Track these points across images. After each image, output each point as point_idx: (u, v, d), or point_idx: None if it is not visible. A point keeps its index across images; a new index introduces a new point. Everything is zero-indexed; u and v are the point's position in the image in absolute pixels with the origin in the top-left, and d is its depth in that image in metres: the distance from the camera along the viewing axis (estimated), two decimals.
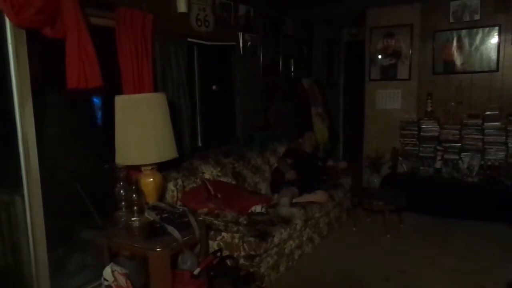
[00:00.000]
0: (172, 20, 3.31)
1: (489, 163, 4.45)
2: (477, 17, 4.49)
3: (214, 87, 4.16)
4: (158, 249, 2.19)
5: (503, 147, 4.41)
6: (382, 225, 3.93)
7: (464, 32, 4.59)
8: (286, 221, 3.21)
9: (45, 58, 2.49)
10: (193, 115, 3.66)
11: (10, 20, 2.09)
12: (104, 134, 2.71)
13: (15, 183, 2.34)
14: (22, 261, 2.42)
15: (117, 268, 2.24)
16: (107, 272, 2.23)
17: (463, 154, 4.56)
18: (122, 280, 2.22)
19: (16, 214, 2.39)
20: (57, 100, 2.70)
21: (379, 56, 5.12)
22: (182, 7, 3.32)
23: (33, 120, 2.31)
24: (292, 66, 5.26)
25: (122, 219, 2.41)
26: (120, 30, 2.71)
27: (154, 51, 3.01)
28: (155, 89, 2.99)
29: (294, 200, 3.57)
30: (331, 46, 6.35)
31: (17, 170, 2.32)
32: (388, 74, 5.10)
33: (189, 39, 3.49)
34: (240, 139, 4.31)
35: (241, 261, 2.81)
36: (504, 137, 4.40)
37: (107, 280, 2.23)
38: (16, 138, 2.29)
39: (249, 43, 4.34)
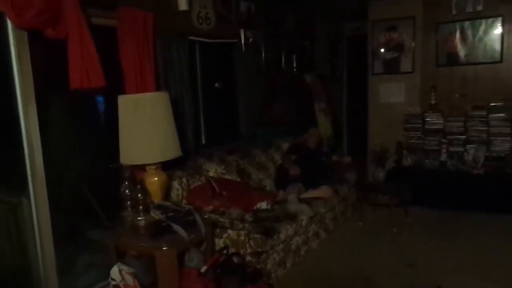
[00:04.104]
0: (174, 18, 3.30)
1: (495, 154, 4.42)
2: (480, 7, 4.43)
3: (216, 84, 4.15)
4: (164, 248, 2.20)
5: (509, 138, 4.37)
6: (388, 219, 3.92)
7: (467, 23, 4.54)
8: (292, 217, 3.20)
9: (48, 59, 2.49)
10: (196, 113, 3.66)
11: (11, 21, 2.10)
12: (108, 134, 2.72)
13: (22, 185, 2.35)
14: (30, 261, 2.44)
15: (124, 268, 2.25)
16: (114, 271, 2.24)
17: (468, 146, 4.53)
18: (129, 279, 2.23)
19: (23, 215, 2.41)
20: (60, 101, 2.70)
21: (382, 50, 5.09)
22: (183, 5, 3.31)
23: (37, 121, 2.31)
24: (295, 62, 5.24)
25: (128, 219, 2.43)
26: (121, 30, 2.71)
27: (156, 50, 3.01)
28: (158, 88, 2.99)
29: (300, 196, 3.57)
30: (333, 40, 6.32)
31: (23, 172, 2.33)
32: (391, 67, 5.06)
33: (190, 37, 3.48)
34: (244, 136, 4.30)
35: (248, 258, 2.81)
36: (509, 128, 4.37)
37: (114, 280, 2.24)
38: (20, 139, 2.30)
39: (250, 40, 4.33)
